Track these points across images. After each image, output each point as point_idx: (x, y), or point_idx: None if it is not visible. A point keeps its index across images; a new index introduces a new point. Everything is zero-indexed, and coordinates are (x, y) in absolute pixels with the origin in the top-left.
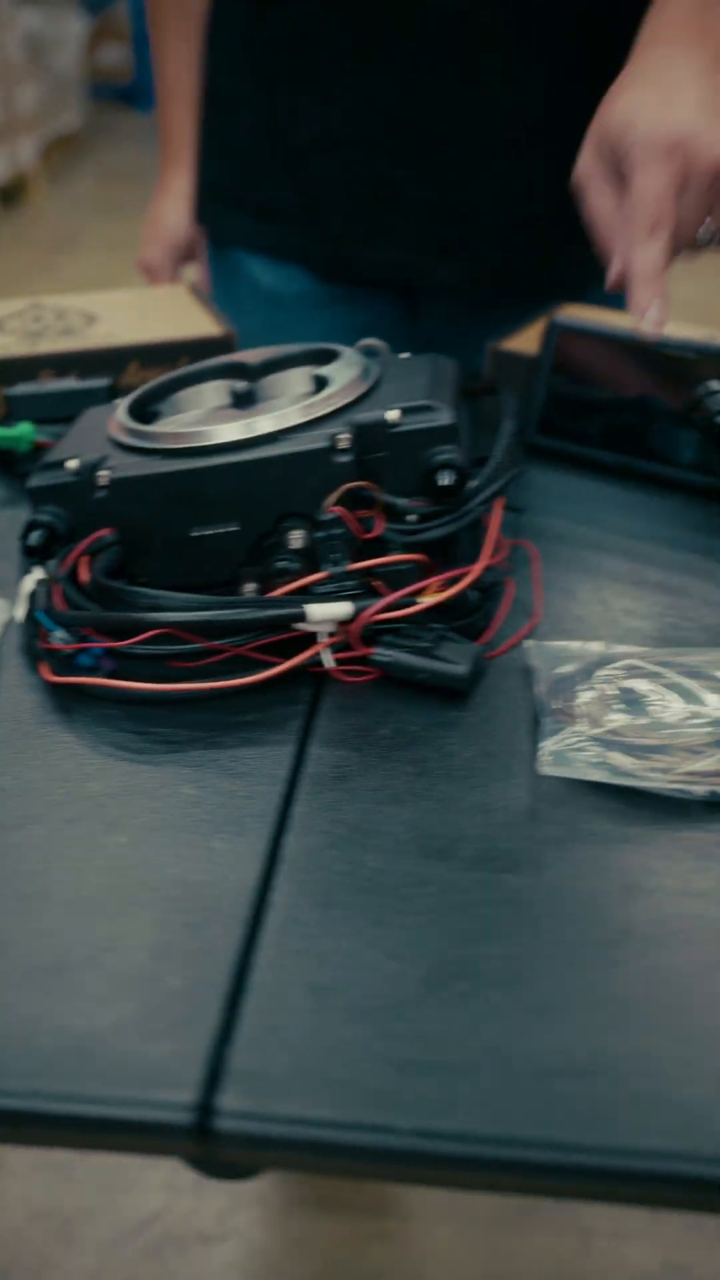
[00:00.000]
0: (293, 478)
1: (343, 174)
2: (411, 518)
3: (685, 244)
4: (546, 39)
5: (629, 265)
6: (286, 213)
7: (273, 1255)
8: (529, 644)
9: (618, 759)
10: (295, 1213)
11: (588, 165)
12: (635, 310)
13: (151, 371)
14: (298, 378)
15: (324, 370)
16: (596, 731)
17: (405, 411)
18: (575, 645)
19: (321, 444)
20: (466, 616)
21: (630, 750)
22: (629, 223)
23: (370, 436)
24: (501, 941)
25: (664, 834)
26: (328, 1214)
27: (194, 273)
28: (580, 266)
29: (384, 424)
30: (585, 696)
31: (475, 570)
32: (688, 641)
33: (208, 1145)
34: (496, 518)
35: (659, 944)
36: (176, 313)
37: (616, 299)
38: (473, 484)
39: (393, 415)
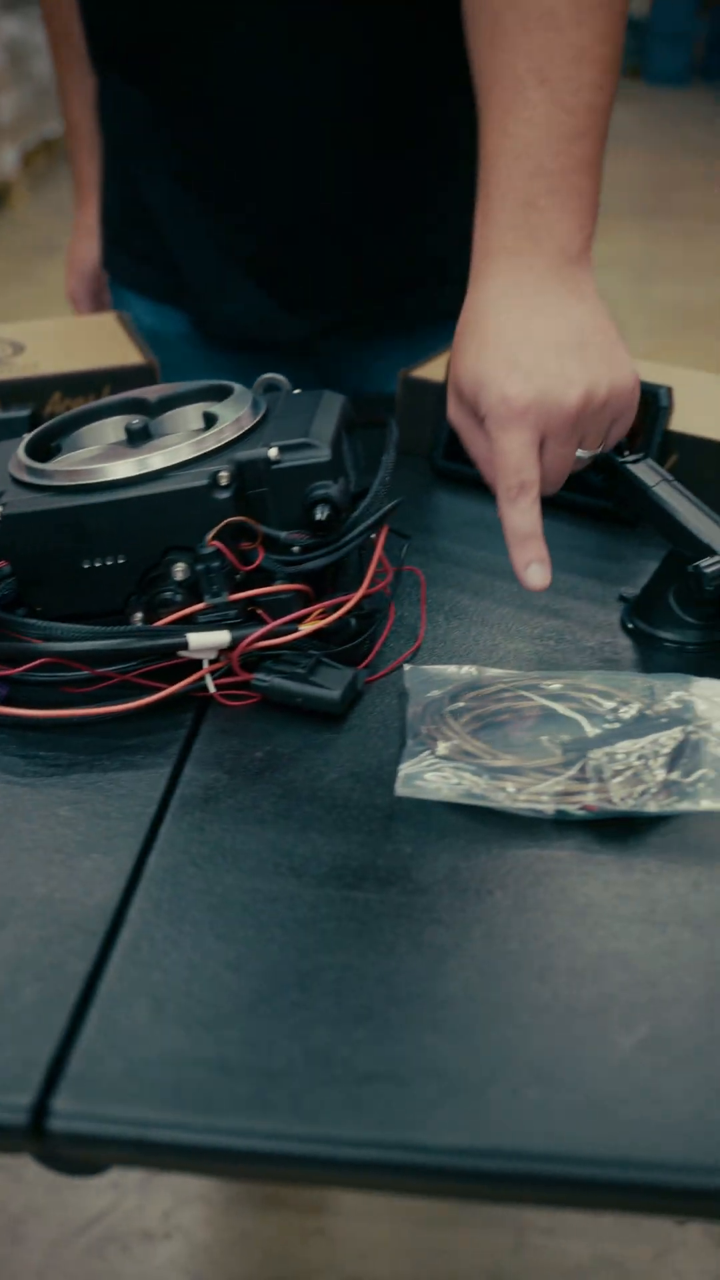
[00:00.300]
0: (175, 513)
1: (188, 235)
2: (295, 549)
3: (558, 485)
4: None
5: (504, 526)
6: (154, 261)
7: (214, 1252)
8: (407, 668)
9: (471, 780)
10: (237, 1211)
11: (455, 415)
12: (516, 570)
13: (74, 401)
14: (192, 414)
15: (214, 408)
16: (454, 753)
17: (285, 449)
18: (450, 669)
19: (202, 481)
20: (348, 642)
21: (484, 771)
22: (497, 484)
23: (252, 473)
24: (338, 953)
25: (510, 851)
26: (268, 1212)
27: None
28: (415, 316)
29: (265, 461)
30: (449, 719)
31: (353, 598)
32: (565, 664)
33: (43, 1144)
34: (379, 546)
35: (490, 953)
36: (102, 342)
37: None
38: (356, 515)
39: (273, 453)
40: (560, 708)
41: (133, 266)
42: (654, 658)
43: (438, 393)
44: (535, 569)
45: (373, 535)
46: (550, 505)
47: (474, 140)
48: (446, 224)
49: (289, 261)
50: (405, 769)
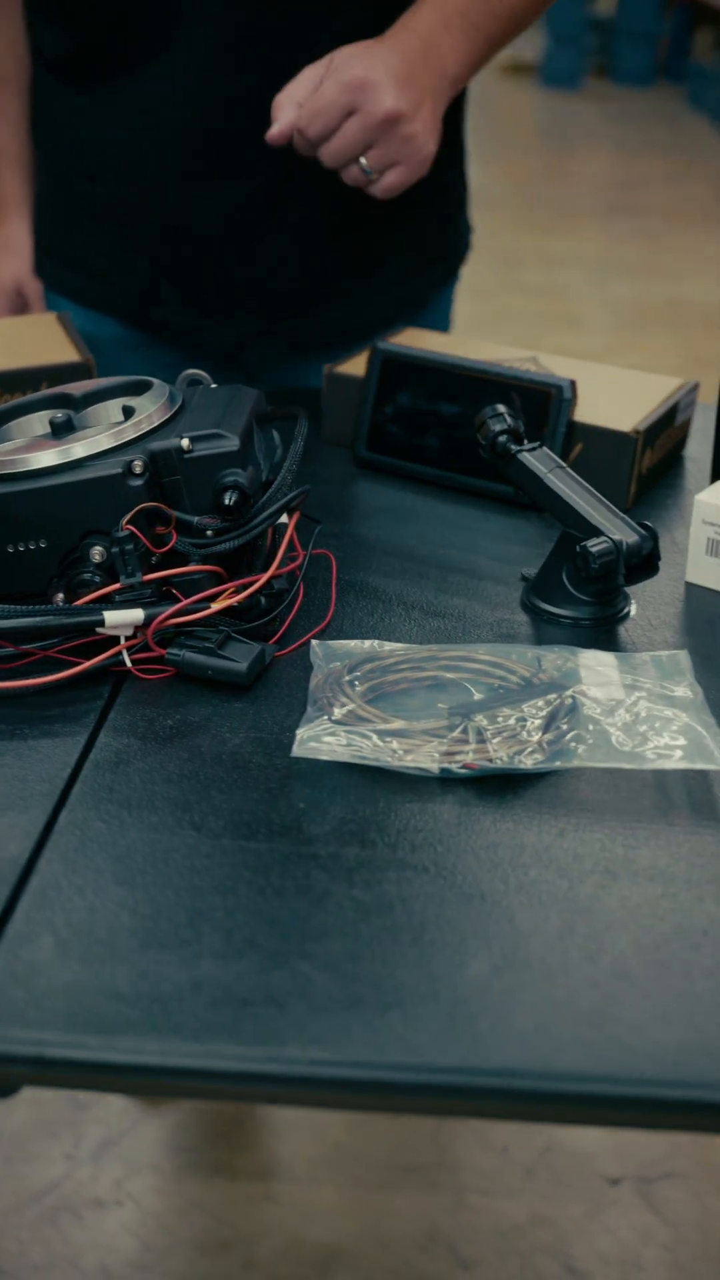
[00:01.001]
0: (93, 500)
1: (117, 244)
2: (208, 533)
3: (331, 159)
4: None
5: (277, 102)
6: (87, 267)
7: (165, 1219)
8: (315, 643)
9: (362, 742)
10: (187, 1178)
11: (300, 78)
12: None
13: (10, 397)
14: (114, 408)
15: (134, 401)
16: (348, 718)
17: (196, 439)
18: (355, 644)
19: (117, 470)
20: (258, 619)
21: (375, 734)
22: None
23: (165, 461)
24: (227, 896)
25: (396, 806)
26: (217, 1179)
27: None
28: (380, 311)
29: (178, 450)
30: (346, 688)
31: (261, 579)
32: (465, 639)
33: None
34: (290, 530)
35: (366, 895)
36: (40, 341)
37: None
38: (263, 500)
39: (185, 443)
40: (451, 676)
41: (64, 272)
42: (549, 632)
43: (360, 387)
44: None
45: (285, 519)
46: (461, 493)
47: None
48: (367, 236)
49: (209, 272)
50: (302, 732)
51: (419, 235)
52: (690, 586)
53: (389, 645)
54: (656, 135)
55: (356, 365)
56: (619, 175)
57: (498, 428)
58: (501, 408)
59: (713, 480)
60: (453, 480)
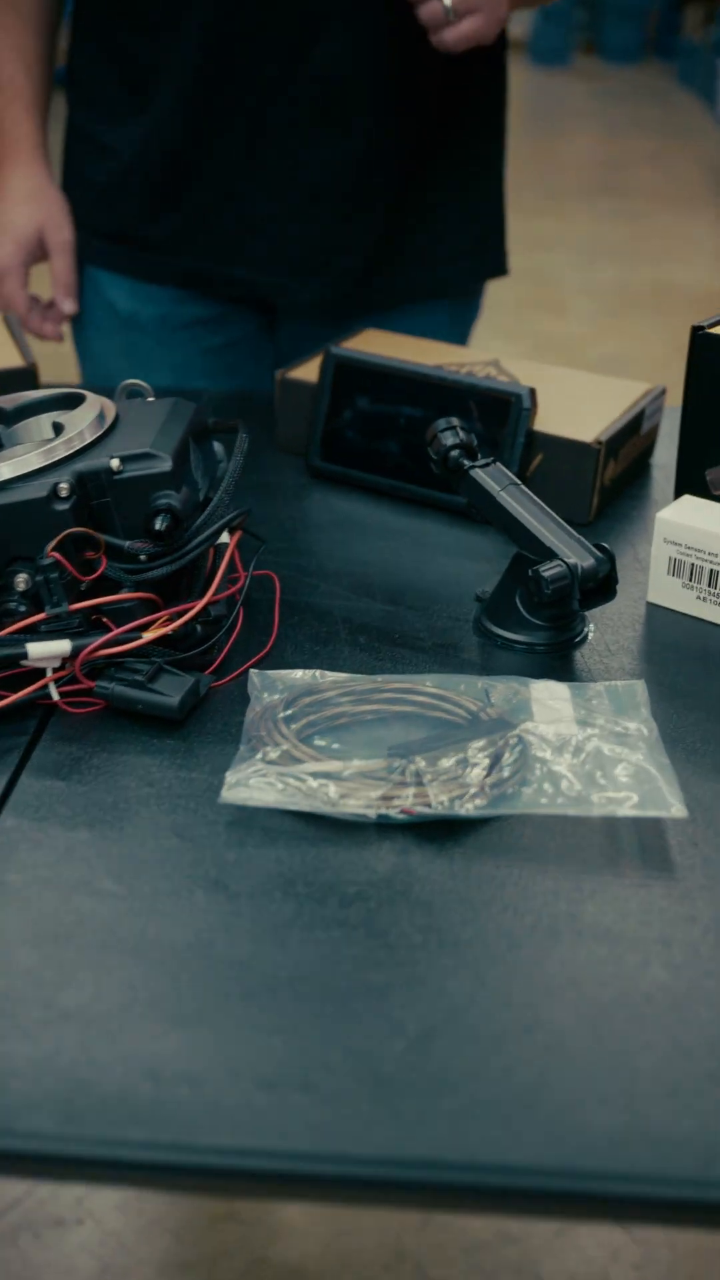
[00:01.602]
0: (16, 525)
1: (210, 202)
2: (142, 557)
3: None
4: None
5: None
6: (149, 236)
7: (125, 1237)
8: (253, 673)
9: (295, 785)
10: (149, 1197)
11: None
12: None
13: None
14: (45, 423)
15: (63, 417)
16: (282, 759)
17: (127, 459)
18: (295, 674)
19: (41, 494)
20: (194, 648)
21: (310, 776)
22: None
23: (94, 483)
24: (141, 959)
25: (329, 853)
26: (178, 1197)
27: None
28: (420, 286)
29: (107, 471)
30: (281, 725)
31: (197, 606)
32: (414, 665)
33: None
34: (230, 551)
35: (285, 954)
36: None
37: (452, 319)
38: (200, 522)
39: (115, 463)
40: (396, 710)
41: (109, 246)
42: (501, 659)
43: (313, 393)
44: None
45: (226, 538)
46: (418, 505)
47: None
48: (460, 202)
49: (312, 224)
50: (232, 775)
51: (468, 206)
52: (652, 607)
53: (331, 676)
54: (645, 113)
55: (310, 370)
56: (606, 155)
57: (450, 441)
58: (455, 420)
59: (677, 494)
60: (409, 491)
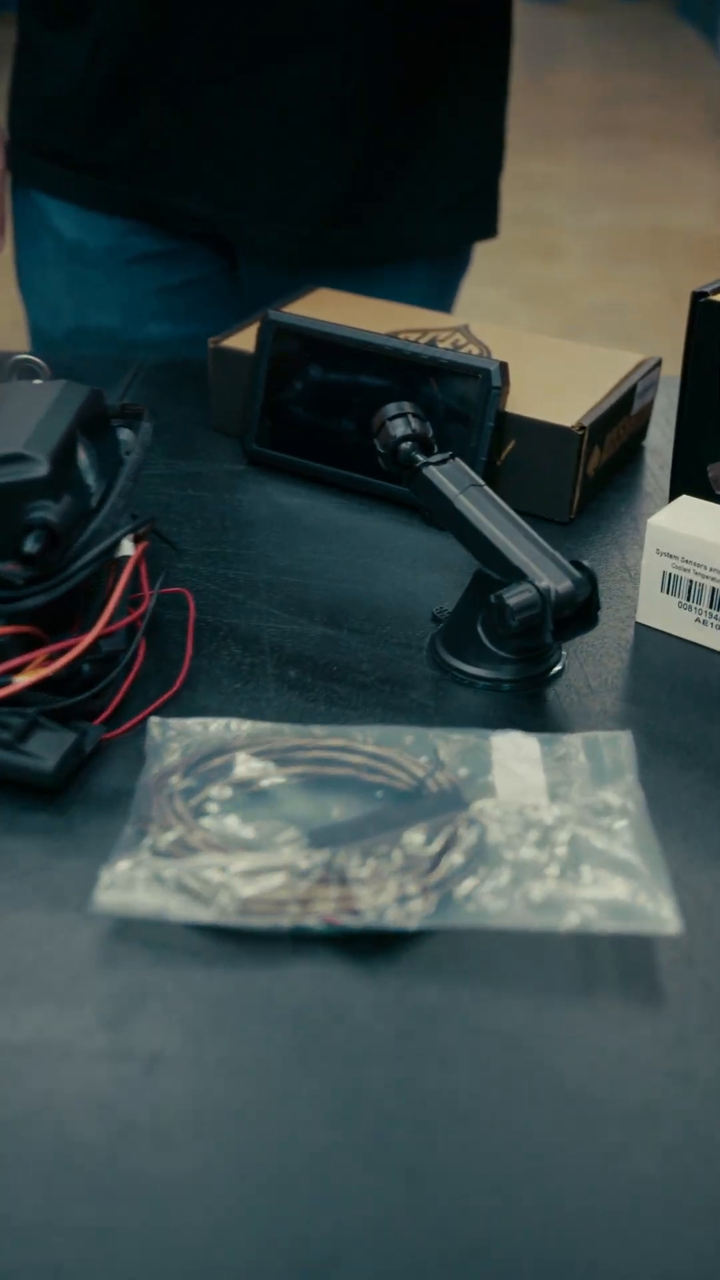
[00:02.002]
0: None
1: (165, 121)
2: (21, 582)
3: None
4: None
5: None
6: (98, 159)
7: None
8: (153, 721)
9: (191, 881)
10: None
11: None
12: None
13: None
14: None
15: None
16: (174, 848)
17: None
18: (205, 725)
19: None
20: (80, 693)
21: (208, 870)
22: None
23: None
24: None
25: (230, 976)
26: None
27: None
28: (398, 241)
29: None
30: (177, 800)
31: (83, 641)
32: (352, 705)
33: None
34: (131, 567)
35: (153, 1118)
36: None
37: (432, 283)
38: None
39: None
40: (327, 771)
41: (57, 170)
42: (458, 697)
43: (251, 366)
44: None
45: (129, 548)
46: (370, 498)
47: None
48: (453, 149)
49: (282, 157)
50: (108, 875)
51: (459, 156)
52: (642, 630)
53: (248, 726)
54: (643, 49)
55: (243, 339)
56: (602, 92)
57: (400, 432)
58: (407, 406)
59: (673, 493)
60: (360, 483)
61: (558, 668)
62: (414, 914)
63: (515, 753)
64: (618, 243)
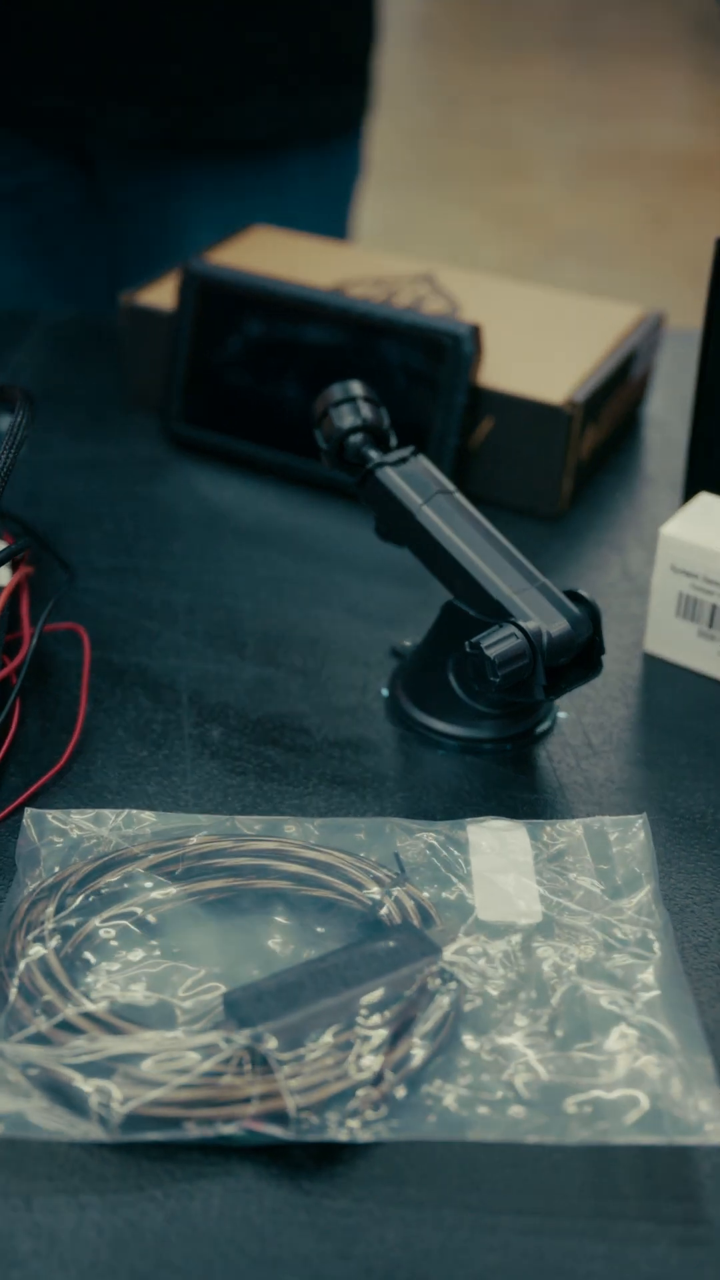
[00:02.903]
0: None
1: (8, 13)
2: None
3: None
4: None
5: None
6: None
7: None
8: (29, 816)
9: (63, 1075)
10: None
11: None
12: None
13: None
14: None
15: None
16: (51, 1033)
17: None
18: (99, 818)
19: None
20: None
21: (87, 1058)
22: None
23: None
24: None
25: (123, 1206)
26: None
27: None
28: (279, 124)
29: None
30: (52, 960)
31: None
32: (289, 780)
33: None
34: (8, 594)
35: None
36: None
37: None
38: None
39: None
40: (256, 884)
41: None
42: (424, 765)
43: (172, 327)
44: None
45: (4, 578)
46: (316, 488)
47: None
48: (286, 25)
49: (135, 32)
50: None
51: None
52: (651, 662)
53: (152, 820)
54: None
55: (161, 293)
56: (572, 1)
57: (348, 422)
58: (357, 389)
59: (688, 489)
60: (303, 470)
61: (548, 724)
62: (366, 1121)
63: (499, 850)
64: (591, 161)
